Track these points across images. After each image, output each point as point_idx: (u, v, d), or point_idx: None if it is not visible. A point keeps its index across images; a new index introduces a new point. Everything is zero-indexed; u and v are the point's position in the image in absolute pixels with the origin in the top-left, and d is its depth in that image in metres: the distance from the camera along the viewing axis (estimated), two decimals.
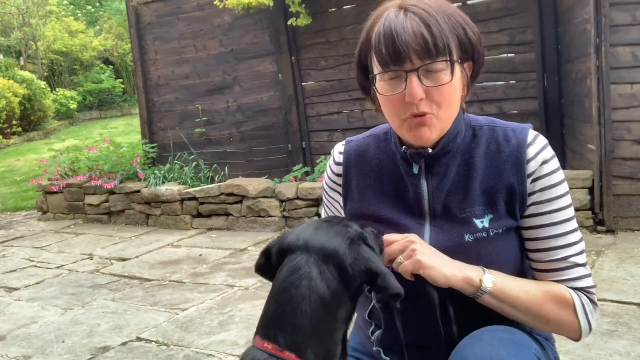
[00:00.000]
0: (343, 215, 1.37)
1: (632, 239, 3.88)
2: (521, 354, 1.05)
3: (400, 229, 1.22)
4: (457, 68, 1.13)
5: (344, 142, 1.37)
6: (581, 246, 1.20)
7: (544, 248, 1.19)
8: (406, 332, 1.22)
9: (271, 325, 0.97)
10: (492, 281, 1.13)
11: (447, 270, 1.11)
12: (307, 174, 5.65)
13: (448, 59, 1.10)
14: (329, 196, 1.40)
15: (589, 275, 1.20)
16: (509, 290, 1.14)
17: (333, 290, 0.98)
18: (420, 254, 1.11)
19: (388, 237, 1.15)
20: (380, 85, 1.15)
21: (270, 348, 0.95)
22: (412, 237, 1.15)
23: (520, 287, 1.16)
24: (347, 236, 1.03)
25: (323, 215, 1.46)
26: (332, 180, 1.37)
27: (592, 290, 1.20)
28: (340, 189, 1.35)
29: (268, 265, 1.09)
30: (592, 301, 1.20)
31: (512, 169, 1.18)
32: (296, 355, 0.94)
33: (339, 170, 1.34)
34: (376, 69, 1.15)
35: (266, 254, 1.09)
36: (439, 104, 1.12)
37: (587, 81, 4.13)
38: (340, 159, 1.35)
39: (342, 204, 1.37)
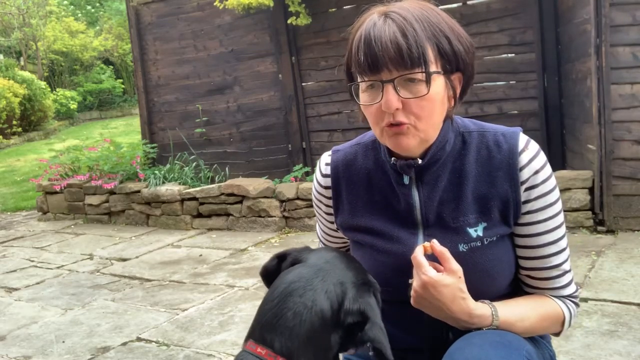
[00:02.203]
0: (331, 227, 1.35)
1: (632, 239, 3.88)
2: (511, 356, 1.05)
3: (393, 240, 1.21)
4: (439, 79, 1.10)
5: (329, 152, 1.34)
6: (568, 251, 1.22)
7: (537, 256, 1.20)
8: (403, 335, 1.22)
9: (268, 328, 0.95)
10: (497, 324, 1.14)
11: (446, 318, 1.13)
12: (307, 174, 5.65)
13: (423, 70, 1.07)
14: (318, 208, 1.37)
15: (573, 279, 1.24)
16: (509, 324, 1.16)
17: (333, 312, 0.97)
18: (416, 299, 1.12)
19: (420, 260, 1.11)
20: (361, 95, 1.14)
21: (264, 353, 0.93)
22: (430, 279, 1.09)
23: (518, 317, 1.17)
24: (362, 277, 1.05)
25: (317, 228, 1.43)
26: (319, 193, 1.34)
27: (577, 294, 1.24)
28: (329, 202, 1.32)
29: (277, 269, 1.09)
30: (576, 305, 1.25)
31: (504, 176, 1.16)
32: None
33: (327, 182, 1.32)
34: (357, 76, 1.14)
35: (280, 257, 1.09)
36: (417, 115, 1.10)
37: (587, 81, 4.13)
38: (327, 170, 1.32)
39: (328, 217, 1.34)
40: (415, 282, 1.10)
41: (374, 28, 1.08)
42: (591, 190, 4.08)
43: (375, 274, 1.12)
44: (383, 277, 1.16)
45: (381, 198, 1.24)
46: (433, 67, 1.09)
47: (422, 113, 1.10)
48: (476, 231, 1.16)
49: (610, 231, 4.04)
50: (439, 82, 1.10)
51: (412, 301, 1.13)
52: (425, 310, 1.13)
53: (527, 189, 1.16)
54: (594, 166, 4.09)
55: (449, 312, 1.10)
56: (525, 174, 1.16)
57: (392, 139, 1.13)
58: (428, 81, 1.08)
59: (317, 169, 1.35)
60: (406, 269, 1.15)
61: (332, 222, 1.35)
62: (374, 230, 1.23)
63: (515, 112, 5.04)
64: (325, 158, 1.34)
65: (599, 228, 4.07)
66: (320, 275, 1.00)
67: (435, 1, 1.19)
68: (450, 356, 1.06)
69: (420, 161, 1.16)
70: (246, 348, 0.97)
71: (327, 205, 1.34)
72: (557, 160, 4.82)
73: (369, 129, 1.35)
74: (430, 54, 1.08)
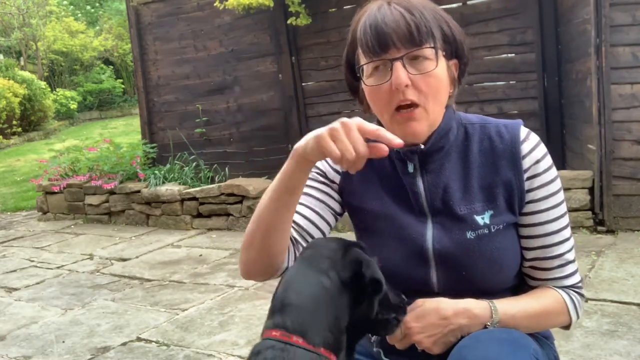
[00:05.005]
0: (320, 197, 1.32)
1: (632, 239, 3.88)
2: (518, 353, 1.05)
3: (403, 227, 1.22)
4: (443, 60, 1.15)
5: None
6: (572, 241, 1.23)
7: (540, 245, 1.21)
8: None
9: (277, 311, 0.99)
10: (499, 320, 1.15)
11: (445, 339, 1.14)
12: None
13: (432, 45, 1.11)
14: (314, 182, 1.33)
15: (577, 270, 1.25)
16: (510, 315, 1.17)
17: (332, 278, 1.01)
18: (412, 335, 1.14)
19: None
20: (366, 80, 1.17)
21: (278, 335, 0.95)
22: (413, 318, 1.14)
23: (518, 308, 1.17)
24: (344, 243, 1.10)
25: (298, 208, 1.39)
26: (322, 170, 1.32)
27: (580, 284, 1.25)
28: (334, 180, 1.31)
29: None
30: (581, 295, 1.25)
31: (508, 164, 1.19)
32: (304, 340, 0.95)
33: None
34: (362, 59, 1.17)
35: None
36: (425, 93, 1.13)
37: (587, 81, 4.13)
38: None
39: (321, 186, 1.31)
40: (404, 329, 1.14)
41: (380, 10, 1.13)
42: (591, 190, 4.08)
43: (385, 262, 1.12)
44: (393, 265, 1.18)
45: (390, 187, 1.26)
46: (439, 46, 1.14)
47: (430, 91, 1.13)
48: (483, 219, 1.18)
49: (610, 231, 4.04)
50: (442, 63, 1.15)
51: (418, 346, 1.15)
52: (434, 341, 1.14)
53: (528, 178, 1.19)
54: (594, 166, 4.09)
55: (450, 326, 1.12)
56: (526, 163, 1.19)
57: (403, 126, 1.15)
58: (437, 56, 1.12)
59: None
60: (417, 256, 1.19)
61: (324, 192, 1.32)
62: (384, 215, 1.24)
63: (515, 112, 5.04)
64: None
65: (599, 228, 4.07)
66: (312, 254, 1.07)
67: (434, 1, 1.23)
68: (458, 352, 1.06)
69: (422, 146, 1.18)
70: (263, 337, 0.99)
71: (330, 185, 1.32)
72: (557, 160, 4.82)
73: None
74: (436, 32, 1.13)
